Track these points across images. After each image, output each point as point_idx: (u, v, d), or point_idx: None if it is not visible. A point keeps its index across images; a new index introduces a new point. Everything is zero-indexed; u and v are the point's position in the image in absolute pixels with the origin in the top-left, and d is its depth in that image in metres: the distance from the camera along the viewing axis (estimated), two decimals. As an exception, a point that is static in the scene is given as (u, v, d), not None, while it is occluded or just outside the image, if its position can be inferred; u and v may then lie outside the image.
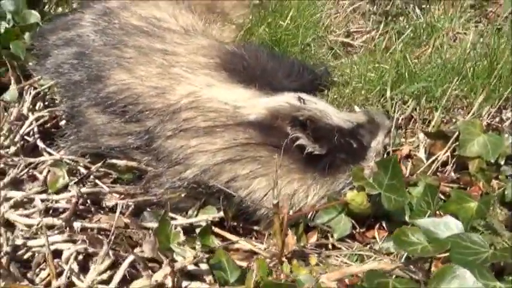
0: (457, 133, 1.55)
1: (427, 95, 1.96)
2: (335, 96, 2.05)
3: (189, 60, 1.62)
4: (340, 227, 1.38)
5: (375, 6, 3.57)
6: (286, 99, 1.46)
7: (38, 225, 1.19)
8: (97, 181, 1.54)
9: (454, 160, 1.60)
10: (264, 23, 2.59)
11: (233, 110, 1.45)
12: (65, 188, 1.45)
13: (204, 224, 1.34)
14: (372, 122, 1.65)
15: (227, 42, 2.16)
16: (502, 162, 1.48)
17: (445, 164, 1.64)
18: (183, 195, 1.40)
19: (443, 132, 1.60)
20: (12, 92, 1.80)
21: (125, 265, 1.04)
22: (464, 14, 3.18)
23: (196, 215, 1.42)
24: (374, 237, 1.44)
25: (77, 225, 1.21)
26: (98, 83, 1.60)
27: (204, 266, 1.09)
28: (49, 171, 1.49)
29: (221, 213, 1.39)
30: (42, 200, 1.30)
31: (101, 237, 1.18)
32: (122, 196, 1.45)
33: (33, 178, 1.52)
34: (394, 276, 1.03)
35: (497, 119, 1.67)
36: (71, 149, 1.60)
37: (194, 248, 1.14)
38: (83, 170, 1.55)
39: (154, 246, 1.04)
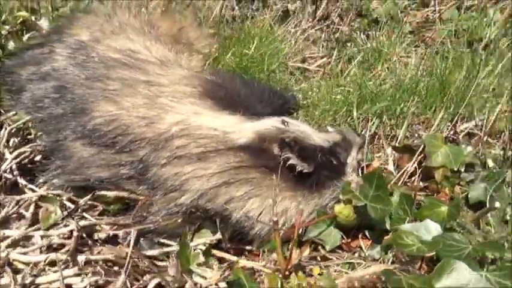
0: (422, 146, 1.72)
1: (388, 113, 2.15)
2: (306, 119, 2.18)
3: (174, 90, 1.67)
4: (330, 239, 1.47)
5: (324, 34, 3.85)
6: (271, 123, 1.55)
7: (45, 261, 1.17)
8: (84, 214, 1.54)
9: (420, 171, 1.77)
10: (229, 52, 2.72)
11: (223, 135, 1.52)
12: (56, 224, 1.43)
13: (203, 247, 1.38)
14: (345, 140, 1.78)
15: (199, 71, 2.25)
16: (463, 170, 1.67)
17: (412, 175, 1.81)
18: (179, 220, 1.43)
19: (410, 146, 1.77)
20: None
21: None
22: (405, 39, 3.50)
23: (192, 240, 1.45)
24: (359, 246, 1.55)
25: (81, 258, 1.20)
26: (83, 116, 1.61)
27: (222, 285, 1.13)
28: (37, 207, 1.46)
29: (218, 236, 1.43)
30: (42, 237, 1.28)
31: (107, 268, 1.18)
32: (116, 227, 1.45)
33: (19, 216, 1.48)
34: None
35: (452, 132, 1.87)
36: (56, 183, 1.58)
37: (211, 268, 1.17)
38: (69, 204, 1.53)
39: (178, 269, 1.07)
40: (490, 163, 1.71)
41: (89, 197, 1.50)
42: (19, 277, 1.13)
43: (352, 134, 1.86)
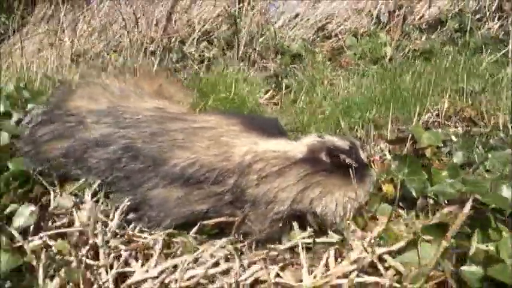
0: (410, 135, 2.39)
1: (362, 119, 2.83)
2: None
3: (226, 130, 2.07)
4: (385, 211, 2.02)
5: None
6: (313, 138, 2.06)
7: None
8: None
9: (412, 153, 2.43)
10: (209, 98, 3.18)
11: (284, 154, 1.97)
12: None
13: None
14: (352, 143, 2.35)
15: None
16: (441, 145, 2.38)
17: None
18: (280, 225, 1.84)
19: (401, 137, 2.44)
20: (61, 201, 1.91)
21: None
22: (327, 66, 4.36)
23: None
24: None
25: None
26: (164, 165, 1.92)
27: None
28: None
29: (310, 231, 1.87)
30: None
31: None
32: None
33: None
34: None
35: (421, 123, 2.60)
36: (161, 227, 1.85)
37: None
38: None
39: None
40: (453, 138, 2.45)
41: (195, 228, 1.82)
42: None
43: (352, 138, 2.46)
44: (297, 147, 2.02)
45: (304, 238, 1.81)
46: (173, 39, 6.36)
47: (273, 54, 5.30)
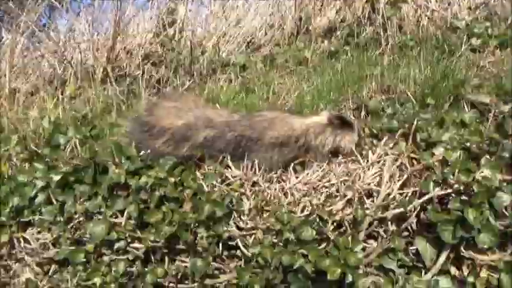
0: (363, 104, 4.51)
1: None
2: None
3: (285, 116, 3.90)
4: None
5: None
6: (326, 113, 4.02)
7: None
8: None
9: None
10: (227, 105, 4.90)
11: (318, 123, 3.90)
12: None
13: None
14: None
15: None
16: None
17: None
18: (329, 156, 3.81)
19: (359, 105, 4.54)
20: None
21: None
22: (268, 71, 6.36)
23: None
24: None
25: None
26: (264, 140, 3.70)
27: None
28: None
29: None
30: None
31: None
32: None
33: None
34: None
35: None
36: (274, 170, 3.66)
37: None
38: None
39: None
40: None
41: (291, 167, 3.66)
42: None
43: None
44: (322, 118, 3.96)
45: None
46: (116, 66, 7.65)
47: (220, 67, 7.08)
